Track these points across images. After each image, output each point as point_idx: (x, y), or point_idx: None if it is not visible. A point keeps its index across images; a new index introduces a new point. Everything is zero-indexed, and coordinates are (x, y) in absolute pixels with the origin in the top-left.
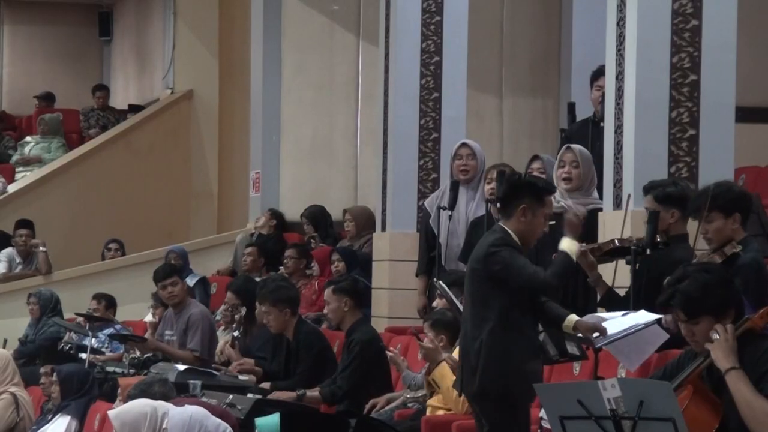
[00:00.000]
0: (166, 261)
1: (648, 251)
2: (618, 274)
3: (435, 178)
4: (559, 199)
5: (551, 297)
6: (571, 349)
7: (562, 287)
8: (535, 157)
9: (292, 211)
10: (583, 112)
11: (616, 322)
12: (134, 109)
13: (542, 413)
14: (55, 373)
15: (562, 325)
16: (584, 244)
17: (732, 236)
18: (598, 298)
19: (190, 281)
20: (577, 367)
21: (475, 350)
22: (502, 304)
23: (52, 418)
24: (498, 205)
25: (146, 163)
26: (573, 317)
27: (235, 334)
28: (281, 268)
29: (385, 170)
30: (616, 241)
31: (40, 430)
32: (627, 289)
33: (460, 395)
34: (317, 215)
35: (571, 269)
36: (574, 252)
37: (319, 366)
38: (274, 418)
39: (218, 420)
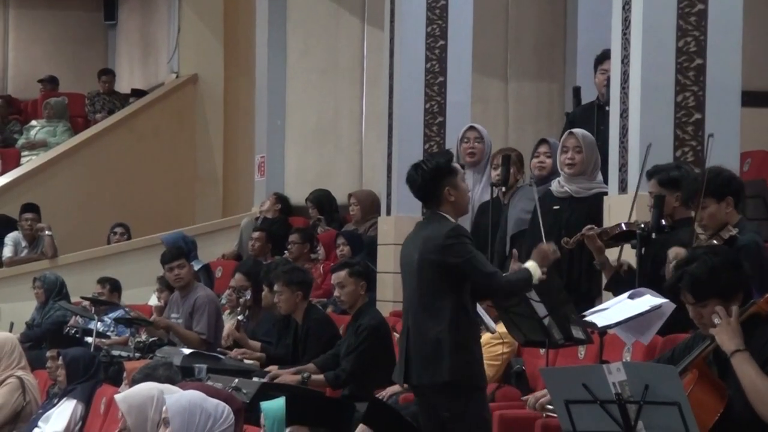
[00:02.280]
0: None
1: (654, 235)
2: (624, 258)
3: None
4: (564, 184)
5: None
6: (576, 333)
7: (511, 297)
8: (543, 141)
9: (297, 195)
10: (588, 96)
11: (622, 307)
12: (137, 93)
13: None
14: (61, 357)
15: (532, 281)
16: (594, 227)
17: (726, 220)
18: (604, 281)
19: (194, 267)
20: (582, 350)
21: (431, 340)
22: (459, 294)
23: (58, 402)
24: (421, 201)
25: (151, 148)
26: (530, 263)
27: (240, 318)
28: (286, 252)
29: (390, 154)
30: (623, 225)
31: (46, 413)
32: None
33: (402, 386)
34: (322, 199)
35: (526, 289)
36: (536, 277)
37: (325, 351)
38: (279, 402)
39: (216, 401)
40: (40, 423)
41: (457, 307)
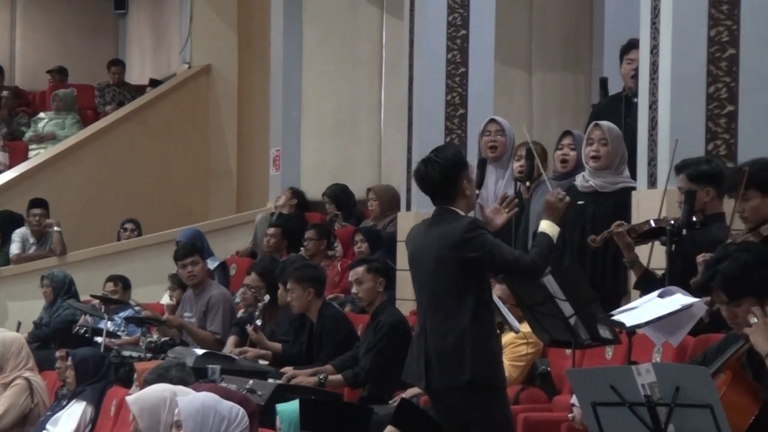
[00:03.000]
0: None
1: (684, 231)
2: (654, 256)
3: None
4: (588, 178)
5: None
6: (604, 332)
7: (544, 269)
8: (567, 133)
9: (314, 190)
10: (615, 87)
11: (651, 306)
12: (155, 83)
13: (573, 399)
14: (70, 358)
15: (553, 241)
16: (624, 224)
17: None
18: (634, 280)
19: (210, 265)
20: (609, 351)
21: (453, 340)
22: (478, 291)
23: (66, 404)
24: (433, 195)
25: (163, 141)
26: (543, 224)
27: (258, 322)
28: (302, 249)
29: (409, 148)
30: (652, 222)
31: (55, 416)
32: (663, 271)
33: (426, 388)
34: (340, 194)
35: (554, 250)
36: (555, 234)
37: (343, 352)
38: (295, 404)
39: (230, 403)
40: (48, 426)
41: (477, 304)
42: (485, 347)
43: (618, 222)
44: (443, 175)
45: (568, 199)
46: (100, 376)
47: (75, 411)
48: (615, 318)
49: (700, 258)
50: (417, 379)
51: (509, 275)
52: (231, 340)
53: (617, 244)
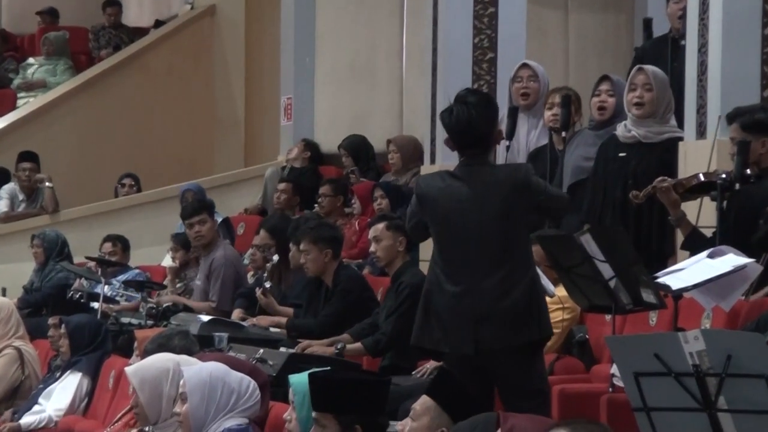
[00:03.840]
0: (181, 202)
1: (737, 186)
2: (703, 212)
3: None
4: (631, 128)
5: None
6: (647, 296)
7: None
8: (604, 78)
9: (329, 142)
10: (661, 29)
11: (700, 267)
12: (159, 25)
13: (613, 369)
14: (63, 325)
15: None
16: (667, 179)
17: None
18: (680, 239)
19: None
20: (653, 317)
21: (519, 296)
22: (529, 241)
23: (60, 376)
24: (456, 148)
25: (164, 88)
26: None
27: (267, 285)
28: (316, 206)
29: (433, 95)
30: (701, 176)
31: (48, 388)
32: (713, 229)
33: (474, 353)
34: (357, 146)
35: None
36: None
37: (354, 315)
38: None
39: (240, 374)
40: (40, 399)
41: (531, 255)
42: (545, 302)
43: (661, 177)
44: (489, 119)
45: None
46: (97, 345)
47: (70, 383)
48: (660, 281)
49: None
50: (449, 343)
51: (550, 208)
52: (236, 313)
53: (662, 200)
